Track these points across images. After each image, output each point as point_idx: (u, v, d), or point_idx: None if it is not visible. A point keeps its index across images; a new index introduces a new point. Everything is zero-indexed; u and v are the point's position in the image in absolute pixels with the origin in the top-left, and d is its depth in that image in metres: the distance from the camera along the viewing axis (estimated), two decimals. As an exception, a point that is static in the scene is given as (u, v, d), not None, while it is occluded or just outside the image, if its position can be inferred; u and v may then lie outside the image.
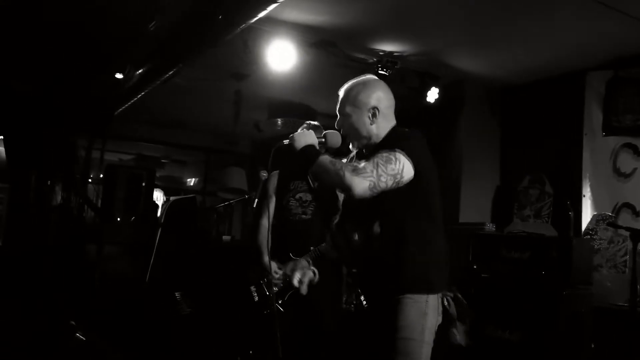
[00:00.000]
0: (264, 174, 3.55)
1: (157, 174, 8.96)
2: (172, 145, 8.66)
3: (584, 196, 4.56)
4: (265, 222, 3.49)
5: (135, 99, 5.43)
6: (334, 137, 2.25)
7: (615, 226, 3.60)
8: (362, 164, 2.07)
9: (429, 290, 2.13)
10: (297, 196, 3.46)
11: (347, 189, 2.02)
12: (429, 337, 2.12)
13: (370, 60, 4.78)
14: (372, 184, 2.01)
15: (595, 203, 4.49)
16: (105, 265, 4.46)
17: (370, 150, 2.21)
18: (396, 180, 2.04)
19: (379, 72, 4.66)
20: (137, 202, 4.92)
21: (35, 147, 5.42)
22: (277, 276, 3.27)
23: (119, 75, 4.76)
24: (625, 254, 4.04)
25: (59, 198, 4.91)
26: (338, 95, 2.28)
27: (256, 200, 3.60)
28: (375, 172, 2.01)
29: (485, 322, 3.64)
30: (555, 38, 4.21)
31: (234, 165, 6.27)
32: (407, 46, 4.60)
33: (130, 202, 4.90)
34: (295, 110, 6.41)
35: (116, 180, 4.94)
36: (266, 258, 3.34)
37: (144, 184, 4.95)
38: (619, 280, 3.96)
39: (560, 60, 4.59)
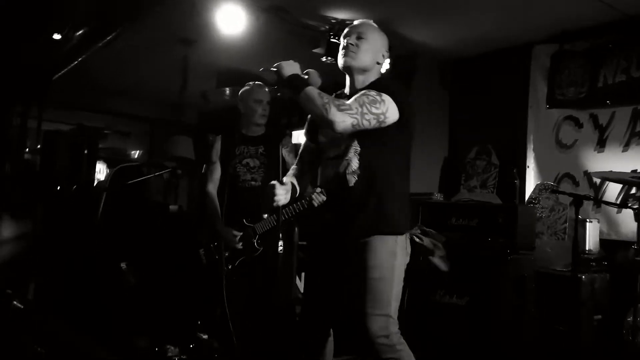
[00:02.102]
0: (212, 139, 3.46)
1: (100, 146, 8.61)
2: (115, 114, 8.32)
3: (528, 167, 4.70)
4: (212, 189, 3.43)
5: (75, 63, 5.16)
6: (316, 76, 2.25)
7: (559, 192, 3.73)
8: (348, 101, 2.10)
9: (397, 231, 2.19)
10: (244, 162, 3.39)
11: (330, 123, 2.06)
12: (399, 276, 2.18)
13: (323, 28, 4.71)
14: (356, 121, 2.07)
15: (539, 173, 4.65)
16: (45, 234, 4.25)
17: (355, 89, 2.25)
18: (379, 121, 2.10)
19: (331, 40, 4.60)
20: (79, 172, 4.70)
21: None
22: (237, 241, 3.21)
23: (56, 36, 4.50)
24: (565, 221, 4.21)
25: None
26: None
27: (204, 166, 3.50)
28: (359, 110, 2.07)
29: (435, 288, 3.71)
30: (504, 11, 4.26)
31: (179, 134, 6.10)
32: (360, 14, 4.53)
33: (71, 171, 4.68)
34: (245, 79, 6.24)
35: (56, 148, 4.69)
36: (219, 223, 3.28)
37: (85, 152, 4.72)
38: (558, 246, 4.12)
39: (508, 32, 4.66)
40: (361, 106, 2.08)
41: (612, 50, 4.21)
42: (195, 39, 5.08)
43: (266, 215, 3.21)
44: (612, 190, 4.18)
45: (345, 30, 2.37)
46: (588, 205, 4.14)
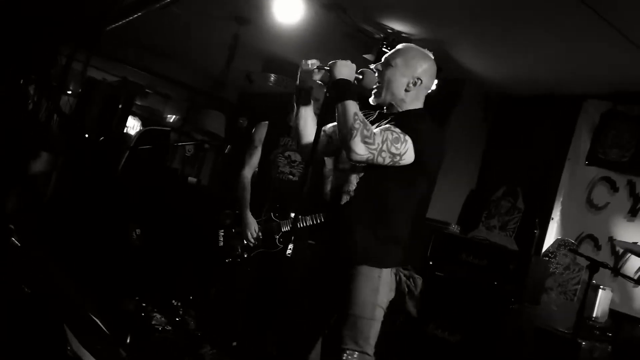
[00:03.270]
0: (243, 122, 3.42)
1: (139, 103, 8.71)
2: (159, 76, 8.38)
3: (552, 219, 4.57)
4: (248, 173, 3.36)
5: (131, 18, 5.20)
6: (371, 77, 2.19)
7: (577, 253, 3.62)
8: (375, 130, 2.04)
9: (382, 264, 2.12)
10: (287, 154, 3.30)
11: (348, 149, 2.02)
12: (379, 314, 2.14)
13: (377, 36, 4.66)
14: (372, 157, 2.02)
15: (562, 228, 4.51)
16: (61, 179, 4.30)
17: (388, 114, 2.20)
18: (394, 161, 2.06)
19: (383, 49, 4.54)
20: (110, 123, 4.74)
21: (17, 46, 5.16)
22: (254, 235, 3.17)
23: (117, -12, 4.54)
24: (578, 283, 4.08)
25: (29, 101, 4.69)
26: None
27: (228, 147, 3.46)
28: (380, 147, 2.01)
29: (428, 320, 3.64)
30: (563, 58, 4.15)
31: (215, 109, 6.09)
32: (418, 29, 4.48)
33: (103, 121, 4.72)
34: (290, 69, 6.24)
35: (93, 95, 4.74)
36: (247, 211, 3.24)
37: (120, 106, 4.76)
38: (565, 306, 4.01)
39: (563, 80, 4.55)
40: (383, 142, 2.01)
41: (667, 121, 4.07)
42: (250, 19, 5.07)
43: (293, 215, 3.15)
44: (634, 263, 4.03)
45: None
46: (606, 271, 4.00)
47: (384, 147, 2.01)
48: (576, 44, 3.88)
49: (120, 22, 5.46)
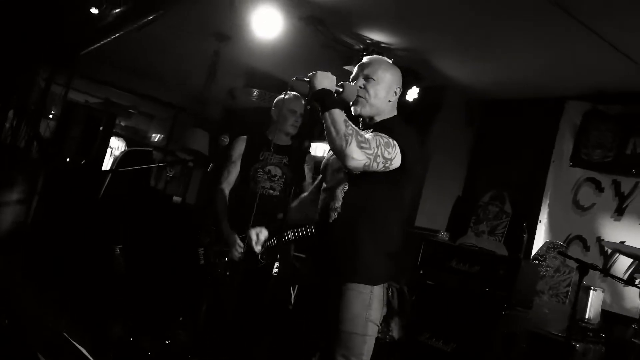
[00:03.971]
0: (224, 140, 3.38)
1: (123, 124, 8.66)
2: (142, 96, 8.36)
3: (540, 222, 4.58)
4: (226, 188, 3.33)
5: (110, 39, 5.17)
6: (351, 90, 2.18)
7: (566, 256, 3.60)
8: (368, 136, 2.04)
9: (373, 281, 2.10)
10: (267, 168, 3.27)
11: (345, 157, 1.99)
12: (372, 330, 2.11)
13: (357, 47, 4.67)
14: (369, 162, 2.01)
15: (550, 230, 4.52)
16: (41, 204, 4.22)
17: (367, 125, 2.22)
18: (386, 166, 2.05)
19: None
20: (91, 145, 4.68)
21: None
22: (240, 250, 3.13)
23: (94, 11, 4.50)
24: (569, 285, 4.08)
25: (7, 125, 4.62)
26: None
27: (211, 165, 3.43)
28: (375, 152, 2.01)
29: (421, 329, 3.61)
30: (543, 61, 4.18)
31: (198, 127, 6.07)
32: (396, 39, 4.50)
33: (84, 143, 4.65)
34: (272, 83, 6.24)
35: (73, 118, 4.68)
36: (226, 226, 3.20)
37: (101, 128, 4.70)
38: (557, 309, 3.99)
39: (543, 83, 4.58)
40: (377, 147, 2.02)
41: (646, 119, 4.10)
42: (229, 35, 5.06)
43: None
44: (623, 262, 4.04)
45: (354, 70, 2.28)
46: (595, 272, 4.00)
47: (379, 152, 2.01)
48: (554, 48, 3.91)
49: (98, 44, 5.43)
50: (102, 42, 5.26)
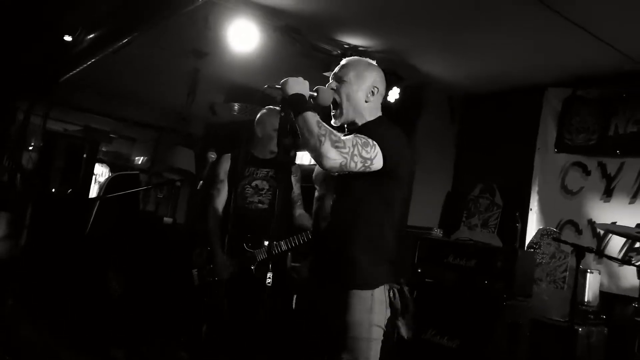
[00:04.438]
0: (212, 156, 3.37)
1: (105, 149, 8.58)
2: (122, 120, 8.30)
3: (531, 210, 4.61)
4: (218, 208, 3.32)
5: (86, 65, 5.13)
6: (326, 94, 2.17)
7: (561, 241, 3.63)
8: (343, 137, 2.03)
9: (374, 285, 2.09)
10: (254, 183, 3.28)
11: (320, 157, 1.98)
12: (377, 333, 2.09)
13: (335, 52, 4.68)
14: (345, 161, 1.99)
15: (541, 217, 4.55)
16: (31, 236, 4.16)
17: (351, 130, 2.19)
18: (365, 165, 2.03)
19: (343, 65, 4.57)
20: (76, 174, 4.63)
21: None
22: (231, 270, 3.12)
23: (67, 38, 4.47)
24: (566, 270, 4.10)
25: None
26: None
27: (200, 182, 3.41)
28: (351, 150, 1.99)
29: (425, 327, 3.60)
30: (519, 51, 4.23)
31: (182, 146, 6.04)
32: (373, 42, 4.52)
33: (69, 173, 4.60)
34: (254, 96, 6.23)
35: (55, 148, 4.62)
36: (218, 246, 3.19)
37: (85, 156, 4.65)
38: (556, 295, 4.01)
39: (522, 73, 4.62)
40: (353, 146, 2.00)
41: (625, 100, 4.16)
42: (207, 51, 5.05)
43: (267, 242, 3.11)
44: (616, 242, 4.08)
45: (332, 74, 2.27)
46: (590, 254, 4.04)
47: (355, 151, 1.99)
48: (530, 37, 3.96)
49: (75, 71, 5.39)
50: (78, 69, 5.22)
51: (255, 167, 3.31)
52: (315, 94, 2.14)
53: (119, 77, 6.31)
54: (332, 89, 2.20)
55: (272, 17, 4.28)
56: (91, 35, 4.37)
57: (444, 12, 3.81)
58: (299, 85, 2.08)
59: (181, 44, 4.92)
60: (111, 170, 8.23)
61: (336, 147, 1.97)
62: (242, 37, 4.24)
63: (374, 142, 2.03)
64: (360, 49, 4.63)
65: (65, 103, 6.82)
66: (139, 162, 10.12)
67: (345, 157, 1.98)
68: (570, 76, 4.46)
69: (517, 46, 4.15)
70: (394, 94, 4.93)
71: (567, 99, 4.52)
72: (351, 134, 2.14)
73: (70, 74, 5.22)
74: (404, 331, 2.36)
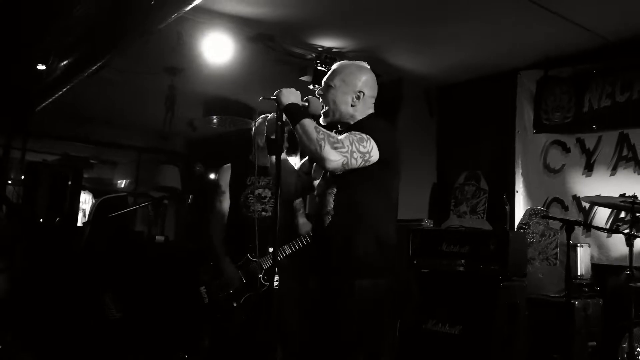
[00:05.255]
0: (199, 168, 3.38)
1: (86, 176, 8.50)
2: (100, 144, 8.24)
3: (517, 192, 4.69)
4: (221, 221, 3.32)
5: (60, 93, 5.10)
6: (317, 103, 2.25)
7: (550, 217, 3.71)
8: (340, 137, 2.10)
9: (379, 275, 2.14)
10: (256, 192, 3.28)
11: (322, 160, 2.06)
12: (386, 322, 2.13)
13: (309, 56, 4.72)
14: (346, 160, 2.07)
15: (528, 198, 4.63)
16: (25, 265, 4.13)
17: (344, 129, 2.26)
18: (365, 160, 2.10)
19: (318, 68, 4.61)
20: (63, 202, 4.60)
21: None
22: (240, 278, 3.12)
23: (41, 67, 4.44)
24: (556, 246, 4.18)
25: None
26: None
27: (190, 197, 3.41)
28: (350, 149, 2.07)
29: (427, 317, 3.64)
30: (489, 38, 4.31)
31: (166, 163, 6.02)
32: (346, 42, 4.58)
33: (55, 201, 4.57)
34: (232, 107, 6.25)
35: (39, 179, 4.59)
36: (224, 258, 3.18)
37: (69, 183, 4.63)
38: (550, 272, 4.08)
39: (494, 59, 4.70)
40: (351, 144, 2.08)
41: (596, 76, 4.27)
42: (181, 67, 5.06)
43: (272, 249, 3.12)
44: (602, 215, 4.17)
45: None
46: (578, 229, 4.12)
47: (354, 149, 2.07)
48: (498, 23, 4.04)
49: (50, 99, 5.35)
50: (53, 97, 5.18)
51: (256, 176, 3.31)
52: (307, 103, 2.22)
53: (94, 101, 6.27)
54: (319, 94, 2.27)
55: (245, 27, 4.31)
56: (64, 62, 4.35)
57: (411, 5, 3.87)
58: (292, 95, 2.17)
59: (155, 62, 4.92)
60: (94, 197, 8.15)
61: (336, 148, 2.04)
62: (216, 50, 4.27)
63: (368, 136, 2.11)
64: (334, 50, 4.69)
65: (41, 133, 6.76)
66: (122, 185, 10.04)
67: (345, 156, 2.06)
68: (541, 57, 4.56)
69: (486, 33, 4.23)
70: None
71: (540, 80, 4.62)
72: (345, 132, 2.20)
73: (47, 101, 5.19)
74: (405, 319, 2.41)
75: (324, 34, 4.45)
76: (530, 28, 4.05)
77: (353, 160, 2.07)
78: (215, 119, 6.38)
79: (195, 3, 3.21)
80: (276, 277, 2.26)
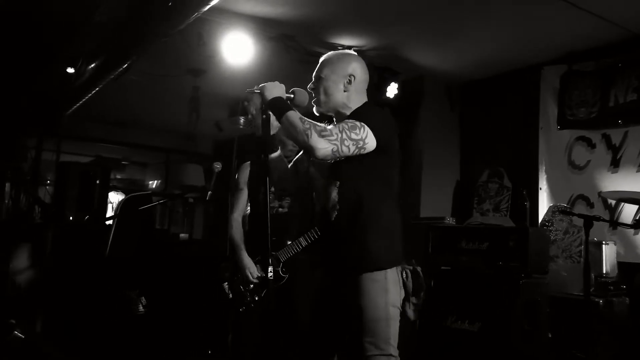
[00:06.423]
0: (217, 167, 3.44)
1: (119, 177, 8.72)
2: (130, 145, 8.45)
3: (541, 189, 4.62)
4: (238, 217, 3.37)
5: (89, 96, 5.25)
6: (302, 95, 2.25)
7: (568, 213, 3.65)
8: (329, 127, 2.09)
9: (385, 266, 2.14)
10: (272, 189, 3.34)
11: (311, 149, 2.04)
12: (394, 313, 2.14)
13: (330, 55, 4.74)
14: (336, 147, 2.04)
15: (552, 195, 4.56)
16: (53, 263, 4.28)
17: (339, 120, 2.25)
18: (358, 147, 2.08)
19: (338, 66, 4.63)
20: (91, 201, 4.74)
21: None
22: (256, 275, 3.17)
23: (70, 70, 4.59)
24: (580, 244, 4.10)
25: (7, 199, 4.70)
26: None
27: (209, 193, 3.46)
28: (339, 136, 2.05)
29: (446, 314, 3.63)
30: (510, 33, 4.26)
31: (191, 163, 6.13)
32: (367, 40, 4.59)
33: (83, 200, 4.72)
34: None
35: (68, 177, 4.75)
36: (243, 254, 3.24)
37: (97, 182, 4.77)
38: (574, 270, 4.01)
39: (516, 55, 4.65)
40: (341, 132, 2.06)
41: (621, 69, 4.17)
42: (204, 69, 5.15)
43: (290, 242, 3.17)
44: (629, 211, 4.07)
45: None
46: (604, 227, 4.04)
47: (344, 136, 2.05)
48: (521, 18, 3.99)
49: (80, 102, 5.51)
50: (83, 100, 5.34)
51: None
52: (292, 95, 2.22)
53: (123, 103, 6.44)
54: (310, 89, 2.28)
55: (265, 28, 4.37)
56: (92, 65, 4.48)
57: (431, 2, 3.86)
58: (276, 89, 2.16)
59: (178, 64, 5.02)
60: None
61: (323, 136, 2.03)
62: (237, 50, 4.33)
63: (362, 124, 2.09)
64: (354, 49, 4.69)
65: (74, 135, 6.98)
66: (153, 186, 10.26)
67: (335, 144, 2.04)
68: (564, 52, 4.48)
69: (508, 29, 4.18)
70: (392, 90, 4.99)
71: (564, 75, 4.54)
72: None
73: (78, 104, 5.35)
74: (410, 313, 2.41)
75: (344, 33, 4.48)
76: (553, 22, 3.99)
77: (344, 148, 2.05)
78: (241, 120, 6.45)
79: (212, 3, 3.27)
80: (270, 268, 2.29)
